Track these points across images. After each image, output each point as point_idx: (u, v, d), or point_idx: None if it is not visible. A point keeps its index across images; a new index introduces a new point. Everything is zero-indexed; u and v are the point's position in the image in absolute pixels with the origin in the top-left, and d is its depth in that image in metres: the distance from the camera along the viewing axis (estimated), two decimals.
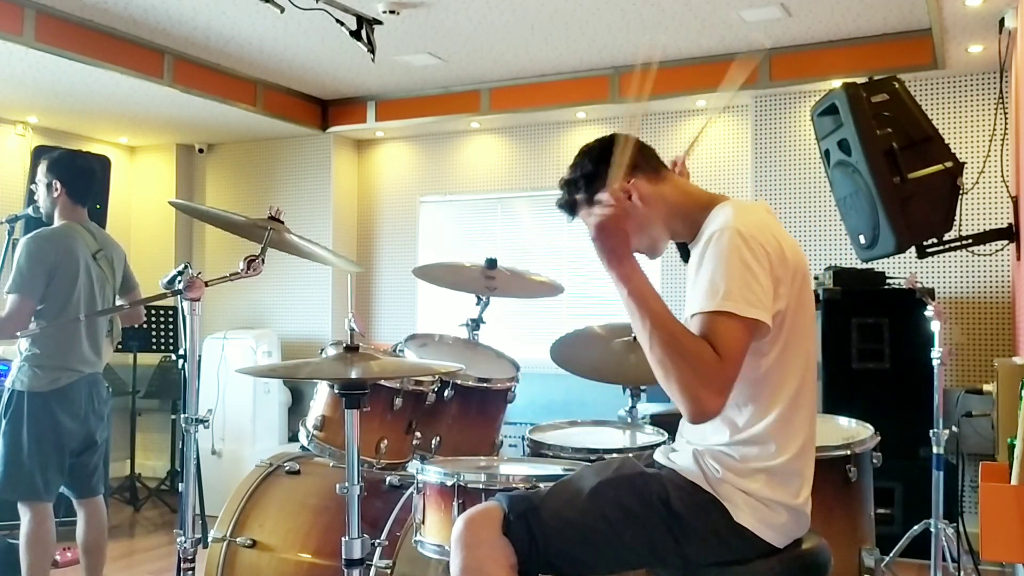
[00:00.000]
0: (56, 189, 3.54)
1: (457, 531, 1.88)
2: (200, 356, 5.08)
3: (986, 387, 3.83)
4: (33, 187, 3.68)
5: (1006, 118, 4.68)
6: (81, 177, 3.62)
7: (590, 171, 1.94)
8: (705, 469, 1.83)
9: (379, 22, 4.32)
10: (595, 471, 1.95)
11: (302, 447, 2.96)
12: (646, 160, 1.94)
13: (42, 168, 3.60)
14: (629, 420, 3.08)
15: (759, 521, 1.80)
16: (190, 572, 2.28)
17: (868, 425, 2.78)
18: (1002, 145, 4.74)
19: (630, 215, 1.86)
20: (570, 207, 2.01)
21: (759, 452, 1.80)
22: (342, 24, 4.16)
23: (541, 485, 2.08)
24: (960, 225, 4.05)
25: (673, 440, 2.04)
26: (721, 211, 1.86)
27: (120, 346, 3.77)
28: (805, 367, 1.85)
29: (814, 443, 1.91)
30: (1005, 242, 4.28)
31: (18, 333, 3.43)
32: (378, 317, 6.74)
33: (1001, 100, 4.73)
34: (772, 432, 1.80)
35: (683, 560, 1.82)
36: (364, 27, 4.20)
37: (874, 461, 2.68)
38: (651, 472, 1.92)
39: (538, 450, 2.78)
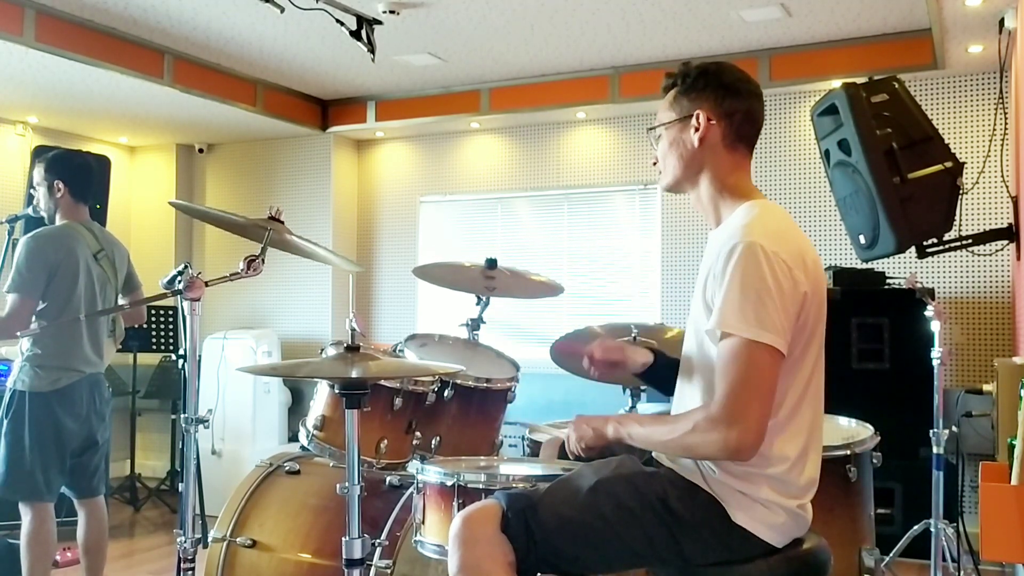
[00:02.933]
0: (59, 190, 3.53)
1: (455, 528, 1.88)
2: (200, 356, 5.09)
3: (986, 387, 3.83)
4: (32, 191, 3.67)
5: (1006, 118, 4.68)
6: (82, 175, 3.62)
7: (690, 82, 1.93)
8: (703, 469, 1.83)
9: (379, 22, 4.32)
10: (594, 469, 1.94)
11: (302, 447, 2.96)
12: (741, 123, 1.91)
13: (39, 170, 3.59)
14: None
15: (757, 521, 1.79)
16: (190, 572, 2.28)
17: (868, 425, 2.78)
18: (1002, 145, 4.74)
19: (685, 144, 1.91)
20: (667, 89, 2.00)
21: (755, 459, 1.77)
22: (342, 24, 4.16)
23: (541, 485, 2.08)
24: (960, 225, 4.06)
25: None
26: (748, 211, 1.84)
27: (120, 346, 3.77)
28: (810, 377, 1.83)
29: (818, 449, 1.89)
30: (1005, 242, 4.28)
31: (18, 333, 3.43)
32: (378, 317, 6.74)
33: (1001, 100, 4.73)
34: (767, 441, 1.77)
35: (682, 559, 1.82)
36: (364, 27, 4.19)
37: (874, 461, 2.69)
38: (650, 471, 1.92)
39: (538, 450, 2.78)
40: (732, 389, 1.67)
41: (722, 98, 1.90)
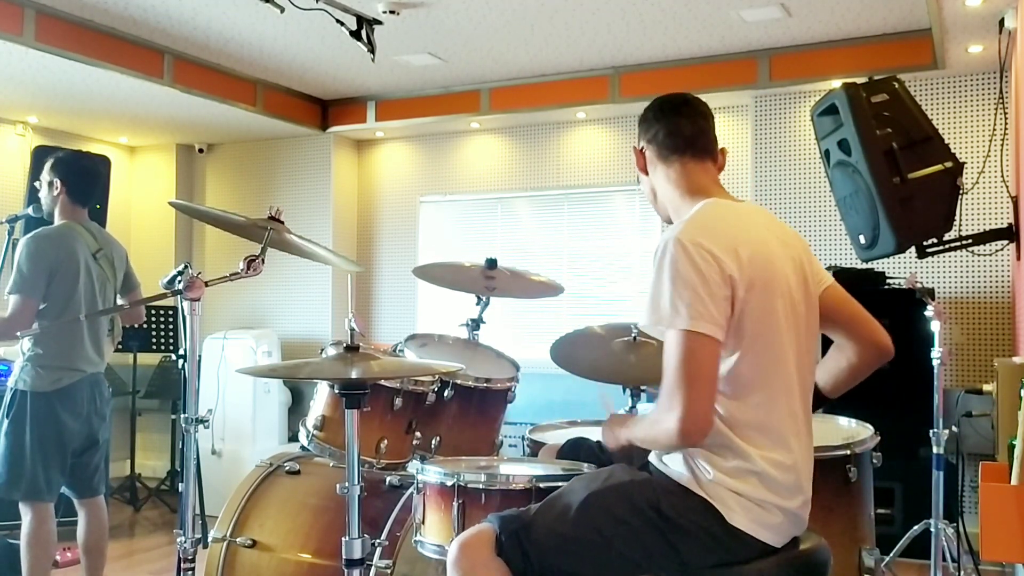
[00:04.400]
0: (56, 188, 3.54)
1: (452, 556, 1.90)
2: (200, 356, 5.10)
3: (986, 387, 3.83)
4: (37, 184, 3.67)
5: (1006, 118, 4.68)
6: (84, 178, 3.62)
7: (643, 118, 2.13)
8: (697, 472, 1.83)
9: (379, 22, 4.32)
10: (584, 483, 1.94)
11: (302, 447, 2.96)
12: (664, 138, 2.05)
13: (47, 167, 3.60)
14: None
15: (753, 522, 1.79)
16: (190, 572, 2.28)
17: (868, 425, 2.78)
18: (1002, 145, 4.74)
19: (641, 177, 2.13)
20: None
21: (742, 455, 1.79)
22: (342, 24, 4.16)
23: (541, 485, 2.08)
24: (960, 225, 4.05)
25: None
26: (689, 212, 1.93)
27: (120, 346, 3.77)
28: (776, 372, 1.83)
29: (808, 448, 1.90)
30: (1005, 242, 4.28)
31: (18, 333, 3.43)
32: (378, 317, 6.74)
33: (1001, 100, 4.73)
34: (749, 437, 1.80)
35: (681, 564, 1.82)
36: (364, 27, 4.20)
37: (874, 461, 2.68)
38: (640, 479, 1.91)
39: (538, 450, 2.78)
40: (668, 378, 1.74)
41: (645, 129, 2.09)
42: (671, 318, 1.74)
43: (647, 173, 2.09)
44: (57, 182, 3.54)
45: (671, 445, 1.81)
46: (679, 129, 2.05)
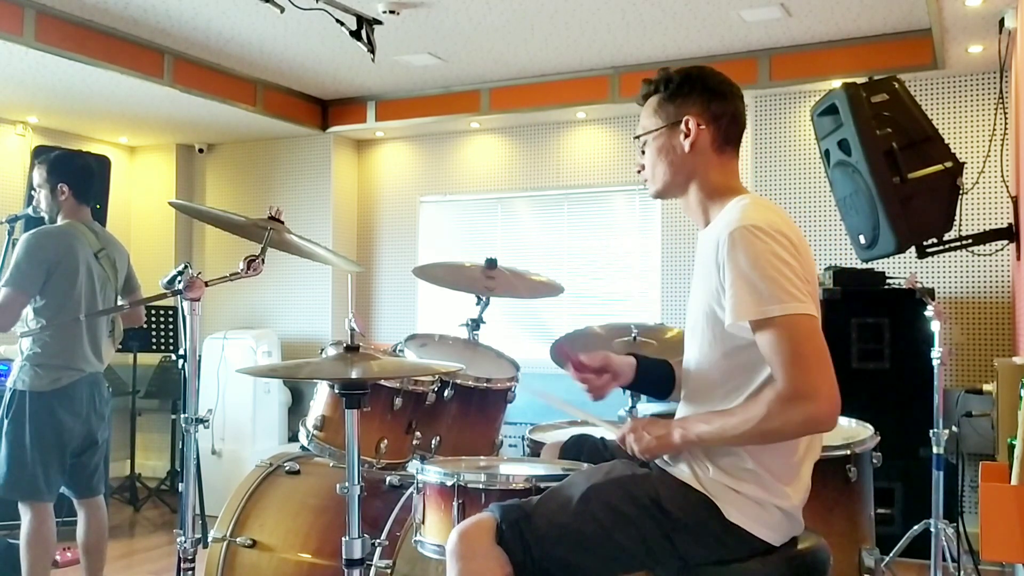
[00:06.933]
0: (63, 193, 3.54)
1: (452, 544, 1.89)
2: (200, 356, 5.10)
3: (986, 387, 3.83)
4: (33, 192, 3.67)
5: (1006, 118, 4.68)
6: (84, 176, 3.63)
7: (674, 87, 1.94)
8: (697, 468, 1.84)
9: (379, 22, 4.32)
10: (586, 476, 1.95)
11: (302, 447, 2.96)
12: (728, 125, 1.93)
13: (40, 172, 3.59)
14: (629, 420, 3.07)
15: (752, 520, 1.80)
16: (190, 572, 2.28)
17: (868, 425, 2.78)
18: (1002, 145, 4.74)
19: (675, 150, 1.92)
20: (646, 96, 2.02)
21: (740, 454, 1.79)
22: (342, 24, 4.16)
23: (542, 485, 2.09)
24: (960, 225, 4.05)
25: None
26: (737, 203, 1.85)
27: (120, 346, 3.77)
28: None
29: (813, 447, 1.90)
30: (1005, 242, 4.28)
31: (18, 333, 3.43)
32: (378, 317, 6.74)
33: (1001, 100, 4.73)
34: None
35: (679, 559, 1.83)
36: (364, 27, 4.19)
37: (874, 461, 2.69)
38: (642, 473, 1.92)
39: (538, 450, 2.78)
40: (791, 365, 1.67)
41: (708, 102, 1.91)
42: (770, 306, 1.67)
43: (691, 151, 1.90)
44: (63, 186, 3.53)
45: (801, 434, 1.76)
46: (742, 119, 1.97)
